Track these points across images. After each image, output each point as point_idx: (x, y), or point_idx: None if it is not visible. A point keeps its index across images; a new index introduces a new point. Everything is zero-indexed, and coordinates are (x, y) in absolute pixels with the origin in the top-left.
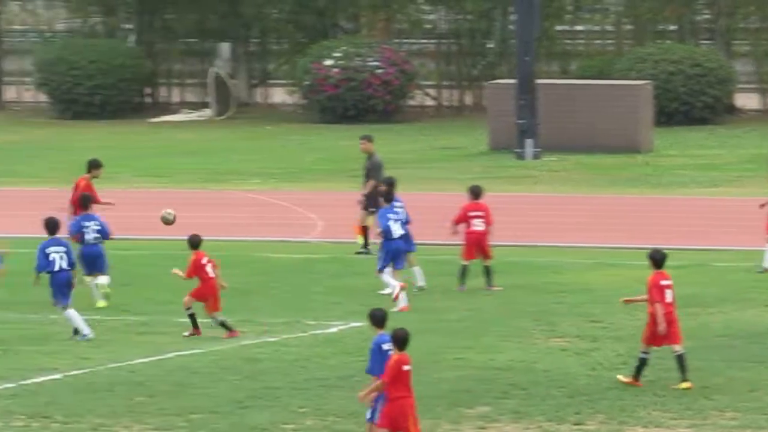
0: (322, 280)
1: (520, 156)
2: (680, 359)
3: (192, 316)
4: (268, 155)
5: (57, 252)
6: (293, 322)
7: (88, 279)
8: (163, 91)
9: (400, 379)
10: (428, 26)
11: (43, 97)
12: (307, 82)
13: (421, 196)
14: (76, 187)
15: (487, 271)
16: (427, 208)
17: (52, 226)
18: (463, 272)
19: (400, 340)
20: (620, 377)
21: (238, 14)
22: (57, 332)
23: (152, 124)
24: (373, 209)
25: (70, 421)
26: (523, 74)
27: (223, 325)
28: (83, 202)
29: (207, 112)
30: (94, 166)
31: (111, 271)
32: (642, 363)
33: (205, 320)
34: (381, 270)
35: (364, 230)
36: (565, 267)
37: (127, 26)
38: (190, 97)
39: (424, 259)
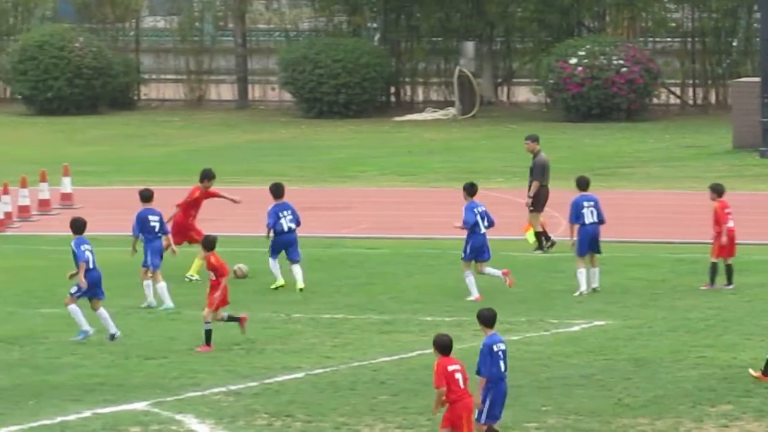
0: (565, 278)
1: (764, 154)
2: None
3: (209, 332)
4: (511, 154)
5: (91, 251)
6: (536, 320)
7: (295, 267)
8: (407, 90)
9: (451, 381)
10: (673, 25)
11: (287, 96)
12: (551, 81)
13: (665, 195)
14: (191, 195)
15: (730, 269)
16: (671, 207)
17: (78, 226)
18: (714, 271)
19: (443, 346)
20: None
21: (482, 13)
22: (300, 331)
23: (396, 122)
24: (533, 209)
25: (313, 419)
26: (767, 73)
27: (230, 318)
28: (276, 191)
29: (451, 111)
30: (207, 176)
31: (354, 271)
32: None
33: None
34: (468, 261)
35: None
36: None
37: (372, 25)
38: (435, 95)
39: (669, 258)
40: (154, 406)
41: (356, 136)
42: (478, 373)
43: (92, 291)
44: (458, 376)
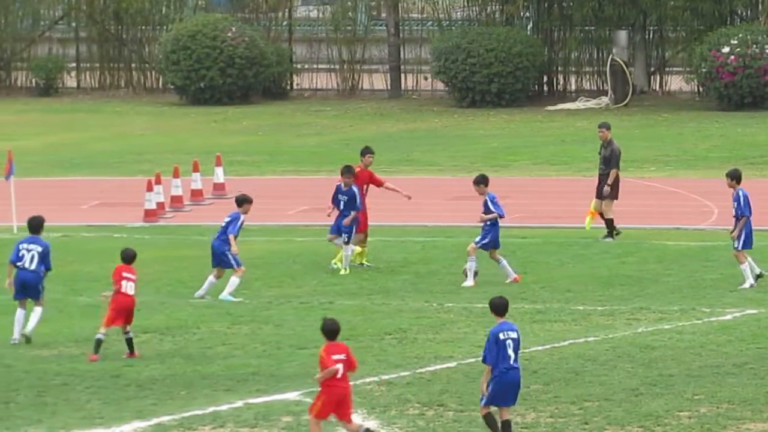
0: (718, 267)
1: None
2: None
3: (129, 341)
4: (664, 143)
5: (29, 250)
6: (688, 309)
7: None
8: (560, 79)
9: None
10: None
11: (440, 86)
12: (704, 70)
13: None
14: (358, 176)
15: None
16: None
17: (33, 225)
18: None
19: (329, 332)
20: None
21: (635, 1)
22: (453, 320)
23: (549, 112)
24: (608, 197)
25: (465, 409)
26: None
27: (129, 342)
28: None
29: (604, 100)
30: (367, 152)
31: (507, 260)
32: None
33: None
34: (481, 247)
35: (605, 218)
36: None
37: (525, 14)
38: (587, 85)
39: None
40: (306, 395)
41: (509, 126)
42: (484, 361)
43: (25, 293)
44: (339, 366)
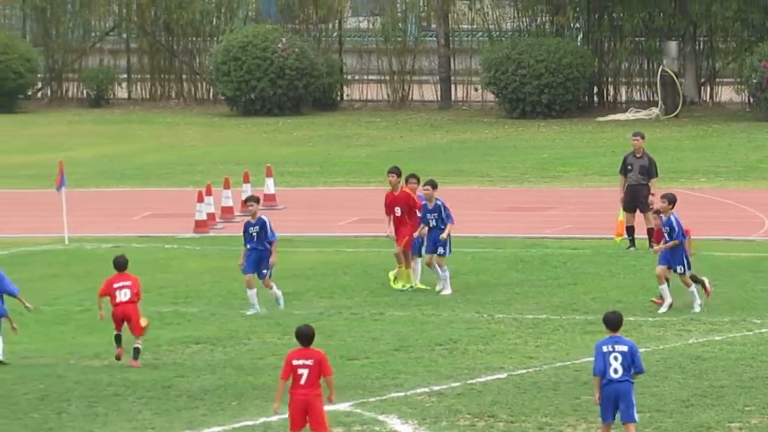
0: None
1: None
2: None
3: (117, 337)
4: (714, 154)
5: None
6: (739, 320)
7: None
8: (610, 90)
9: (294, 374)
10: None
11: (490, 96)
12: (754, 80)
13: None
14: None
15: None
16: None
17: None
18: None
19: (299, 336)
20: None
21: (685, 12)
22: (503, 331)
23: (599, 123)
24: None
25: (516, 420)
26: None
27: (135, 350)
28: None
29: (654, 111)
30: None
31: (557, 271)
32: None
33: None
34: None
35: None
36: None
37: (575, 25)
38: (637, 95)
39: None
40: (356, 406)
41: (559, 137)
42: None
43: None
44: (302, 372)
